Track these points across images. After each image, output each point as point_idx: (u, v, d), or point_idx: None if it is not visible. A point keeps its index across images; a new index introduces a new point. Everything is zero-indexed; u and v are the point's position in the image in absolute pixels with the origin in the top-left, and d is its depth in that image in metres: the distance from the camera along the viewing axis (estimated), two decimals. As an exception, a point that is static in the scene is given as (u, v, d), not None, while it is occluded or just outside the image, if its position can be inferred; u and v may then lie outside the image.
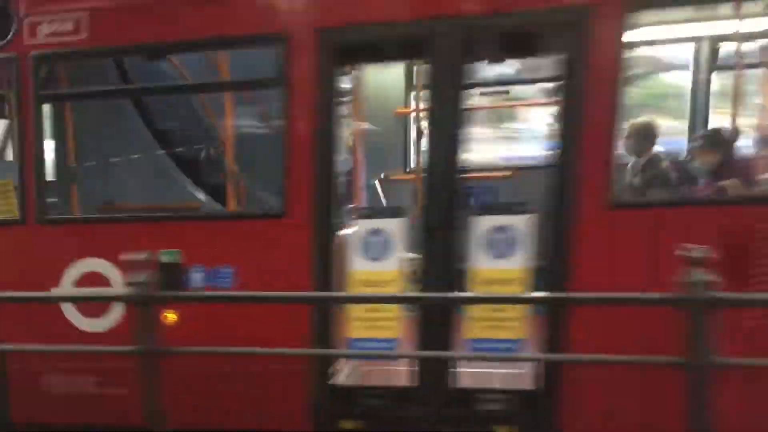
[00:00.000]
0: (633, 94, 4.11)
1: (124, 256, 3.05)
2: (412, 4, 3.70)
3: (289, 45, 3.82)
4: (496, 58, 4.37)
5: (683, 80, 5.59)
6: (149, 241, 3.93)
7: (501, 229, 3.73)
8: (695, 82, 5.48)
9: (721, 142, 4.42)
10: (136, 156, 5.67)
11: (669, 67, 5.97)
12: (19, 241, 4.28)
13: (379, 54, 4.17)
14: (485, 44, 3.79)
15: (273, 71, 3.89)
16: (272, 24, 3.86)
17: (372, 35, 3.79)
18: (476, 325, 3.79)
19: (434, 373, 3.90)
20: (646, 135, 4.79)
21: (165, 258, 3.96)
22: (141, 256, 3.00)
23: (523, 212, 3.75)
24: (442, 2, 3.66)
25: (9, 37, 4.20)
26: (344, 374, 4.30)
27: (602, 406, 3.63)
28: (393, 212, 3.93)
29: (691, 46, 5.35)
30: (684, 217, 3.49)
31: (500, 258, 3.73)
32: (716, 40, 5.27)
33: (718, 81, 5.40)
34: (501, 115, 7.48)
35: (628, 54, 3.47)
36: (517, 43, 3.83)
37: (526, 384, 3.87)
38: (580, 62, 3.48)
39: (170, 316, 3.93)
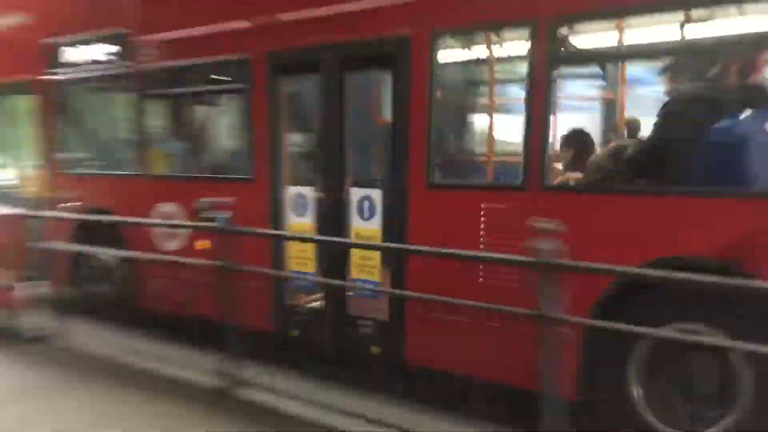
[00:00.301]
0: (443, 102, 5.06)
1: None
2: (310, 36, 5.16)
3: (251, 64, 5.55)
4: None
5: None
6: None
7: (365, 197, 5.07)
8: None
9: (570, 141, 5.08)
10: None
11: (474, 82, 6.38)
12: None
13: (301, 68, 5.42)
14: (353, 62, 5.09)
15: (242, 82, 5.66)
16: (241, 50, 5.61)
17: (293, 56, 5.35)
18: (355, 268, 5.19)
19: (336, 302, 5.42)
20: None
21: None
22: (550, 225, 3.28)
23: (378, 187, 5.03)
24: (326, 34, 5.07)
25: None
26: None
27: (435, 338, 4.77)
28: (308, 183, 5.48)
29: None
30: (465, 198, 4.49)
31: (366, 219, 5.08)
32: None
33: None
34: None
35: (436, 71, 4.56)
36: (370, 61, 5.06)
37: (385, 316, 5.16)
38: (405, 77, 4.66)
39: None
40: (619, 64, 5.66)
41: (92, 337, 5.84)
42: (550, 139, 4.32)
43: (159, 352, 5.49)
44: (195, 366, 4.99)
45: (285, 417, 4.30)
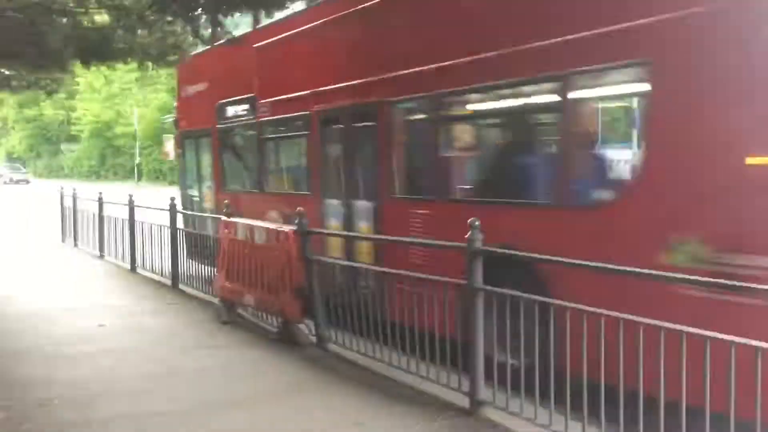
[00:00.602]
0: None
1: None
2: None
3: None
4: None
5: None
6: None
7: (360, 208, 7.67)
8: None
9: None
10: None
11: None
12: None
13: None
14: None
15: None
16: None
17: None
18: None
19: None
20: None
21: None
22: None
23: (367, 199, 7.60)
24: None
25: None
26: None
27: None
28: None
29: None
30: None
31: (362, 222, 7.66)
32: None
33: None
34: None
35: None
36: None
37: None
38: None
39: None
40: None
41: (353, 345, 6.15)
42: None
43: (410, 366, 5.44)
44: (443, 381, 5.07)
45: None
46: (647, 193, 4.78)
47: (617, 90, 5.97)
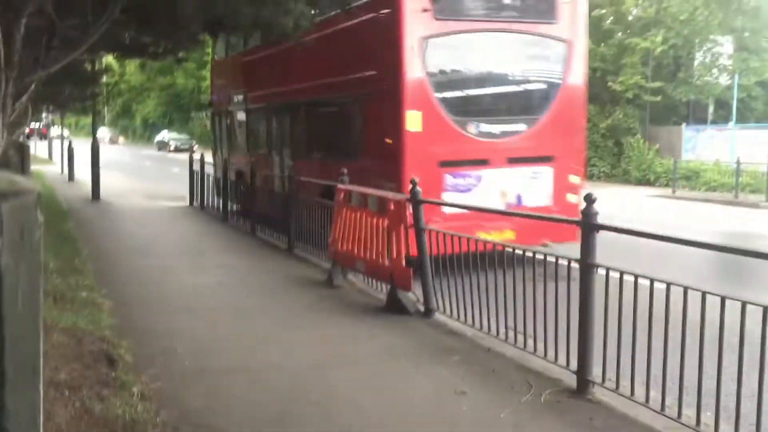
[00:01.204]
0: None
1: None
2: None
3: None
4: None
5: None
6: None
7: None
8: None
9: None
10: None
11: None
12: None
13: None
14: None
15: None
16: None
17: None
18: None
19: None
20: None
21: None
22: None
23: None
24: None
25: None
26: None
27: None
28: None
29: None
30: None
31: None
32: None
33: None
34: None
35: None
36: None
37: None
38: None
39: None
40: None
41: (459, 315, 6.15)
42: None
43: (517, 341, 5.39)
44: (550, 358, 4.99)
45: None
46: (366, 154, 9.69)
47: (358, 105, 10.13)
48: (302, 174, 10.51)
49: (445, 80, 9.22)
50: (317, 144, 11.64)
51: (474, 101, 9.57)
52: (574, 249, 5.03)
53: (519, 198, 9.16)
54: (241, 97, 14.64)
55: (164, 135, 55.94)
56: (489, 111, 9.56)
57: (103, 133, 65.62)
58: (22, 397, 0.97)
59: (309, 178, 10.19)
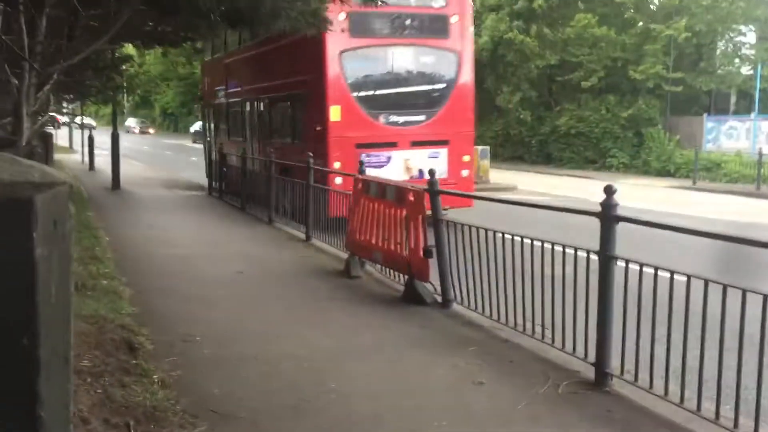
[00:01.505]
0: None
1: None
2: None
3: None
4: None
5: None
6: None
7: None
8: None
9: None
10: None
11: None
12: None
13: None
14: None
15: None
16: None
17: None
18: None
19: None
20: None
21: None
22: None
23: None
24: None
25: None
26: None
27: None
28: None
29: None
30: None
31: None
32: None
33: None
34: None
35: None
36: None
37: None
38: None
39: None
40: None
41: (477, 306, 6.15)
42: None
43: (535, 332, 5.37)
44: (569, 350, 4.96)
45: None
46: (303, 137, 12.49)
47: (298, 101, 13.07)
48: (262, 154, 13.98)
49: (359, 82, 12.13)
50: (274, 130, 14.66)
51: (382, 98, 12.34)
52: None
53: (421, 172, 11.13)
54: (221, 93, 17.53)
55: (198, 125, 56.30)
56: (395, 105, 12.29)
57: (133, 122, 65.65)
58: (55, 385, 0.99)
59: (269, 158, 12.50)
